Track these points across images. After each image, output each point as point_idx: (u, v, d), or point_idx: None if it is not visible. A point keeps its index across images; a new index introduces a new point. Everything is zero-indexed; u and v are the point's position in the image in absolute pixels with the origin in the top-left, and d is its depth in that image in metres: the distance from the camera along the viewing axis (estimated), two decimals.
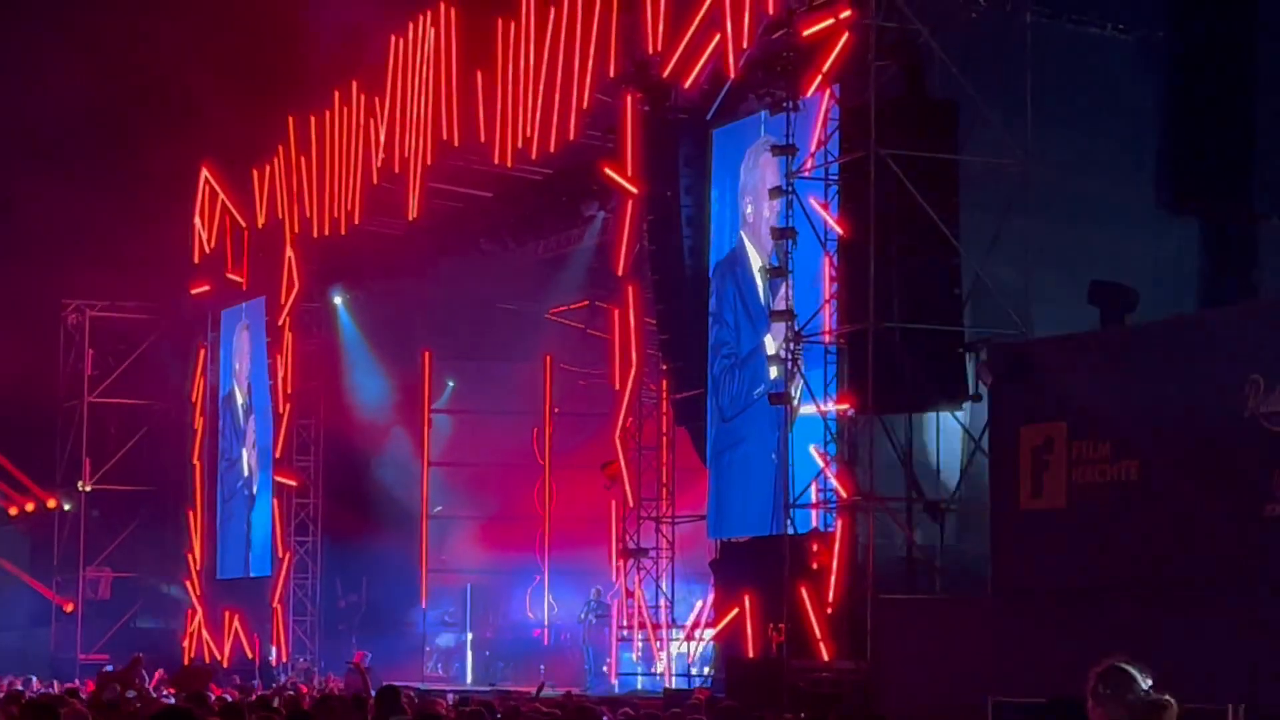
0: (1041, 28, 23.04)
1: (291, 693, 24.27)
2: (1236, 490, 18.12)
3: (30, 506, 44.54)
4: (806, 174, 23.81)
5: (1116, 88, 24.32)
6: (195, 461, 41.39)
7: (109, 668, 35.52)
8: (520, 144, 30.15)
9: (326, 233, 35.83)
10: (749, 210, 26.13)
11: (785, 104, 24.05)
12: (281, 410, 38.00)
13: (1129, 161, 24.18)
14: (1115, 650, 8.38)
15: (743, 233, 26.23)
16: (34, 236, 39.65)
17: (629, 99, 27.75)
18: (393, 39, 33.56)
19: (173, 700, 22.24)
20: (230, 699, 20.74)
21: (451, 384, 38.15)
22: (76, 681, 31.08)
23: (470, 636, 36.80)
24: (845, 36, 23.16)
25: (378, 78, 34.03)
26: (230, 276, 39.51)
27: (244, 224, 38.93)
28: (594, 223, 31.08)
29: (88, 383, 43.48)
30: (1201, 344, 19.22)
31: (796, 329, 23.76)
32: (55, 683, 30.59)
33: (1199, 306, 23.48)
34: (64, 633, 43.45)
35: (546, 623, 35.60)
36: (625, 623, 29.70)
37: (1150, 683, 8.13)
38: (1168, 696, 8.12)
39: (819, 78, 23.56)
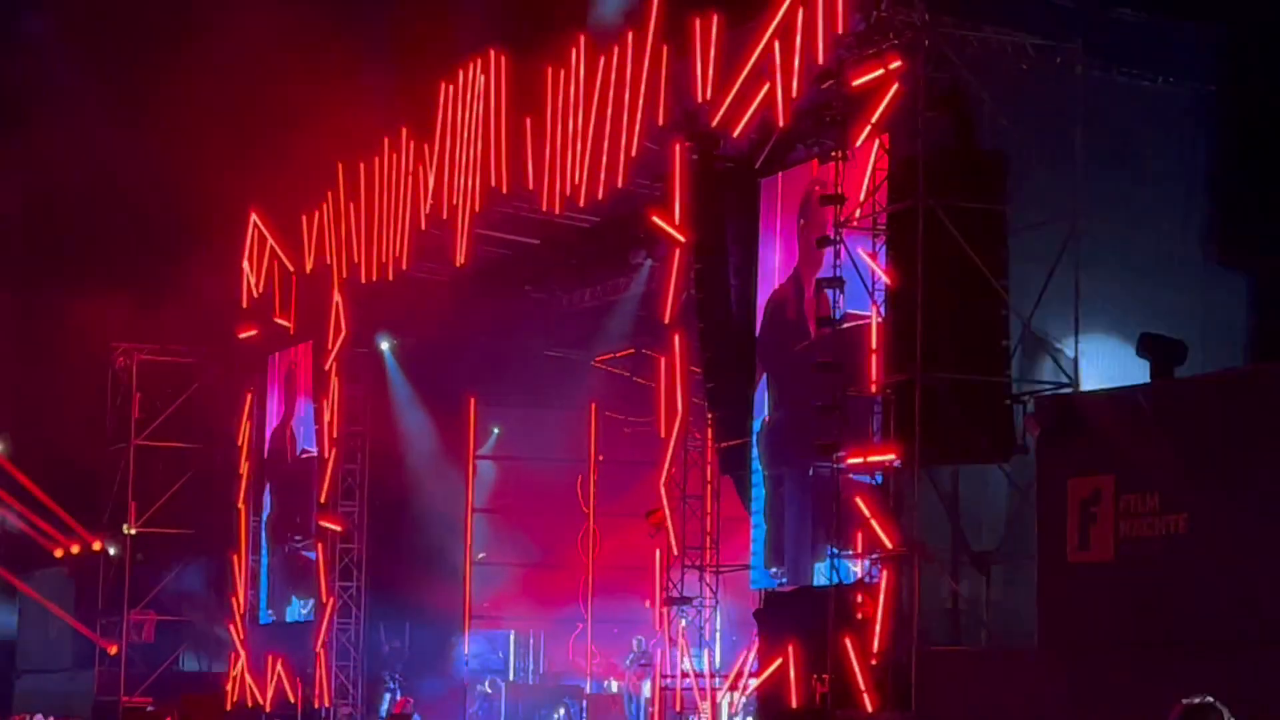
0: (1093, 80, 23.00)
1: None
2: None
3: (76, 549, 44.70)
4: (855, 224, 23.79)
5: (1167, 141, 24.28)
6: (240, 505, 41.42)
7: (150, 709, 35.67)
8: (568, 191, 30.19)
9: (374, 278, 35.89)
10: (797, 259, 26.10)
11: (834, 153, 24.05)
12: (327, 455, 38.05)
13: (1179, 214, 24.13)
14: (1163, 704, 8.20)
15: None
16: (83, 280, 39.84)
17: (678, 147, 27.78)
18: (442, 85, 33.66)
19: None
20: None
21: (497, 430, 38.16)
22: None
23: (511, 683, 36.69)
24: (895, 87, 23.16)
25: (427, 124, 34.15)
26: (278, 321, 39.62)
27: (292, 269, 39.04)
28: (641, 271, 31.07)
29: (135, 426, 43.61)
30: (1252, 398, 19.12)
31: (843, 379, 23.72)
32: None
33: (1248, 361, 23.36)
34: (108, 675, 43.45)
35: (589, 671, 35.46)
36: (668, 672, 29.60)
37: None
38: None
39: (868, 128, 23.55)
